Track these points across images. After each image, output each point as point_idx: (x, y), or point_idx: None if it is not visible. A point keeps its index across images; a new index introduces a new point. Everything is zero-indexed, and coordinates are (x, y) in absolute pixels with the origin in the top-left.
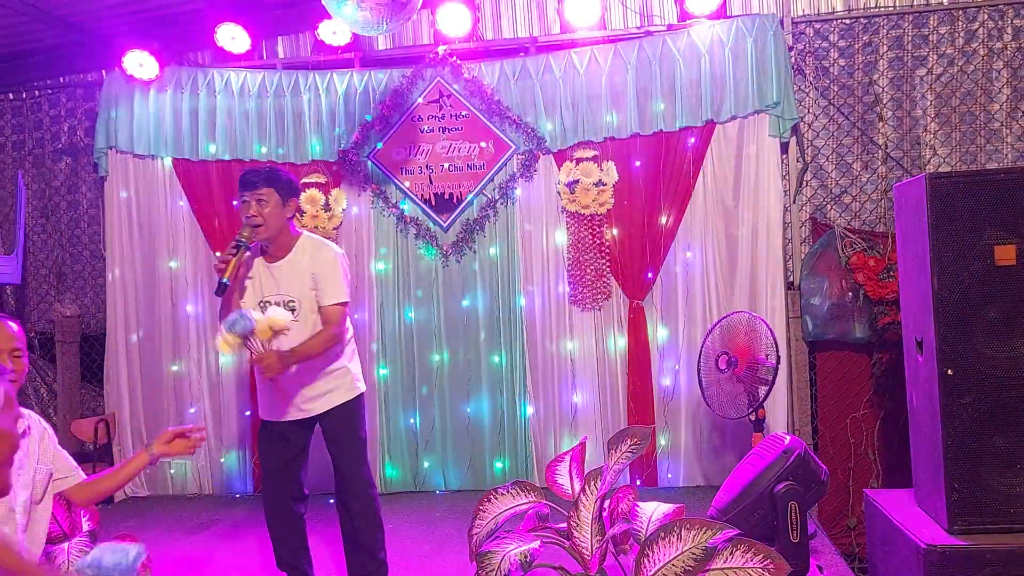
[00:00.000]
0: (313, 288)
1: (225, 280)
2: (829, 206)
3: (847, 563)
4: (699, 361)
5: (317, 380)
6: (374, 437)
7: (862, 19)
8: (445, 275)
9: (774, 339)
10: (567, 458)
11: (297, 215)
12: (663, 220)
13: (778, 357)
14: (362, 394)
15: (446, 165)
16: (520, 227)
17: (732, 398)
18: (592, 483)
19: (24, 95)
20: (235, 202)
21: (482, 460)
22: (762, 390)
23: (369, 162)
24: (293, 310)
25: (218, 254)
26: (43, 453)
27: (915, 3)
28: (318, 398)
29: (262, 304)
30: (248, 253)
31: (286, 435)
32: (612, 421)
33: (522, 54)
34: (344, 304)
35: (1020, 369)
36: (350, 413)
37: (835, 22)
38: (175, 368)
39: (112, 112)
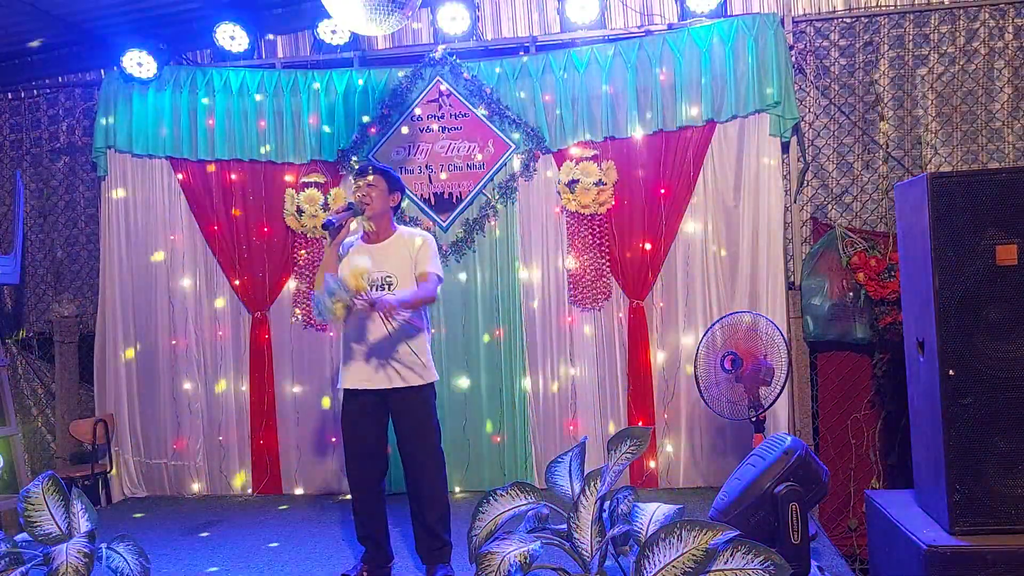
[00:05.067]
0: (413, 265)
1: (333, 219)
2: (830, 206)
3: (848, 564)
4: (696, 361)
5: (400, 352)
6: None
7: (863, 18)
8: (444, 274)
9: (783, 340)
10: (567, 459)
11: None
12: (663, 220)
13: (790, 361)
14: (435, 383)
15: (446, 165)
16: (520, 227)
17: (733, 399)
18: (592, 484)
19: (22, 94)
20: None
21: (482, 462)
22: (763, 391)
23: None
24: (390, 284)
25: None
26: None
27: (916, 2)
28: (397, 372)
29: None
30: (357, 218)
31: (367, 410)
32: (612, 421)
33: (522, 54)
34: (439, 277)
35: (1022, 370)
36: (424, 398)
37: (836, 21)
38: (173, 370)
39: (110, 111)
